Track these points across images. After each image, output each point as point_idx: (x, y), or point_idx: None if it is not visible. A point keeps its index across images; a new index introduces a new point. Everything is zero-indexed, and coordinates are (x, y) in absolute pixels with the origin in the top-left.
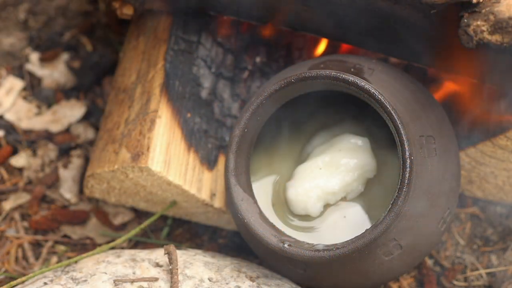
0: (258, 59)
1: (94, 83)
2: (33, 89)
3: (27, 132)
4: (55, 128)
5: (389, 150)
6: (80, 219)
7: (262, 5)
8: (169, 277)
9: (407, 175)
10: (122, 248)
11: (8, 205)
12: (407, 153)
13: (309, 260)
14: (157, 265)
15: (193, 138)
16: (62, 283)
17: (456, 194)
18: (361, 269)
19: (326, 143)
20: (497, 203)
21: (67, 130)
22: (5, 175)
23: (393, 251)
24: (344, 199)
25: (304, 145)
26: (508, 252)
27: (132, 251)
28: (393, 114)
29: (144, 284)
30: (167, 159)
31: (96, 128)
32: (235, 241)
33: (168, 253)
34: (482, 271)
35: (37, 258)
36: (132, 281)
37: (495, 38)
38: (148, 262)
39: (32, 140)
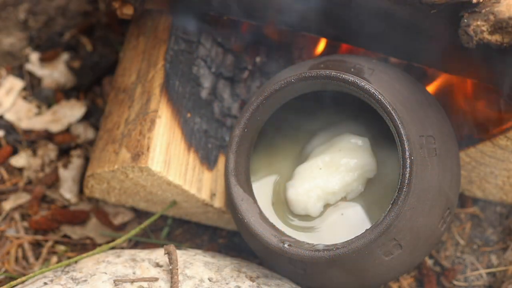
0: (258, 59)
1: (94, 83)
2: (33, 89)
3: (27, 132)
4: (55, 128)
5: (389, 150)
6: (80, 219)
7: (262, 5)
8: (169, 277)
9: (407, 175)
10: (122, 248)
11: (8, 205)
12: (407, 153)
13: (309, 260)
14: (157, 265)
15: (193, 138)
16: (62, 283)
17: (456, 194)
18: (361, 269)
19: (326, 143)
20: (497, 203)
21: (67, 130)
22: (5, 175)
23: (393, 251)
24: (344, 199)
25: (304, 145)
26: (508, 252)
27: (132, 251)
28: (393, 114)
29: (144, 284)
30: (167, 159)
31: (96, 128)
32: (235, 241)
33: (168, 253)
34: (482, 271)
35: (37, 258)
36: (132, 281)
37: (495, 38)
38: (148, 262)
39: (32, 140)
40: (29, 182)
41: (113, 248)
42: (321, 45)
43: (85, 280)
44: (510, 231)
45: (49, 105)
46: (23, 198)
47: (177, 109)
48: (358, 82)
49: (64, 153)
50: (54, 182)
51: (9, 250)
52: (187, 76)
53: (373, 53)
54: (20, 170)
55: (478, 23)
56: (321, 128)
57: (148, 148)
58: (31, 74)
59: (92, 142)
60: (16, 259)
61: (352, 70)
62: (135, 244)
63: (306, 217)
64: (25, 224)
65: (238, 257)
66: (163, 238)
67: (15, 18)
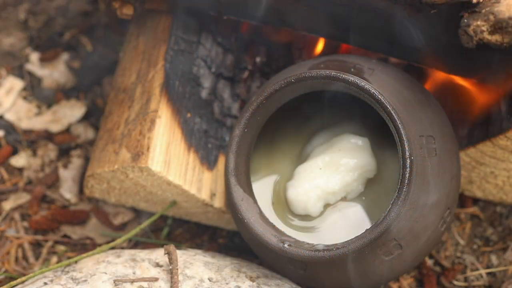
0: (258, 59)
1: (94, 83)
2: (33, 89)
3: (27, 132)
4: (55, 128)
5: (389, 150)
6: (80, 219)
7: (263, 5)
8: (169, 277)
9: (407, 175)
10: (122, 248)
11: (8, 205)
12: (407, 153)
13: (309, 260)
14: (157, 265)
15: (193, 138)
16: (62, 283)
17: (456, 194)
18: (361, 269)
19: (326, 143)
20: (497, 203)
21: (67, 130)
22: (5, 175)
23: (393, 251)
24: (344, 199)
25: (304, 145)
26: (508, 252)
27: (132, 251)
28: (393, 114)
29: (144, 284)
30: (167, 159)
31: (96, 128)
32: (235, 241)
33: (168, 253)
34: (482, 271)
35: (37, 258)
36: (132, 281)
37: (495, 38)
38: (148, 262)
39: (32, 140)
40: (29, 182)
41: (113, 248)
42: (321, 45)
43: (85, 280)
44: (510, 231)
45: (49, 105)
46: (23, 198)
47: (177, 109)
48: (358, 82)
49: (64, 153)
50: (54, 182)
51: (9, 250)
52: (187, 76)
53: (373, 53)
54: (20, 170)
55: (478, 23)
56: (321, 128)
57: (148, 148)
58: (31, 74)
59: (92, 142)
60: (16, 259)
61: (352, 70)
62: (135, 244)
63: (306, 217)
64: (25, 224)
65: (238, 257)
66: (163, 238)
67: (15, 18)
